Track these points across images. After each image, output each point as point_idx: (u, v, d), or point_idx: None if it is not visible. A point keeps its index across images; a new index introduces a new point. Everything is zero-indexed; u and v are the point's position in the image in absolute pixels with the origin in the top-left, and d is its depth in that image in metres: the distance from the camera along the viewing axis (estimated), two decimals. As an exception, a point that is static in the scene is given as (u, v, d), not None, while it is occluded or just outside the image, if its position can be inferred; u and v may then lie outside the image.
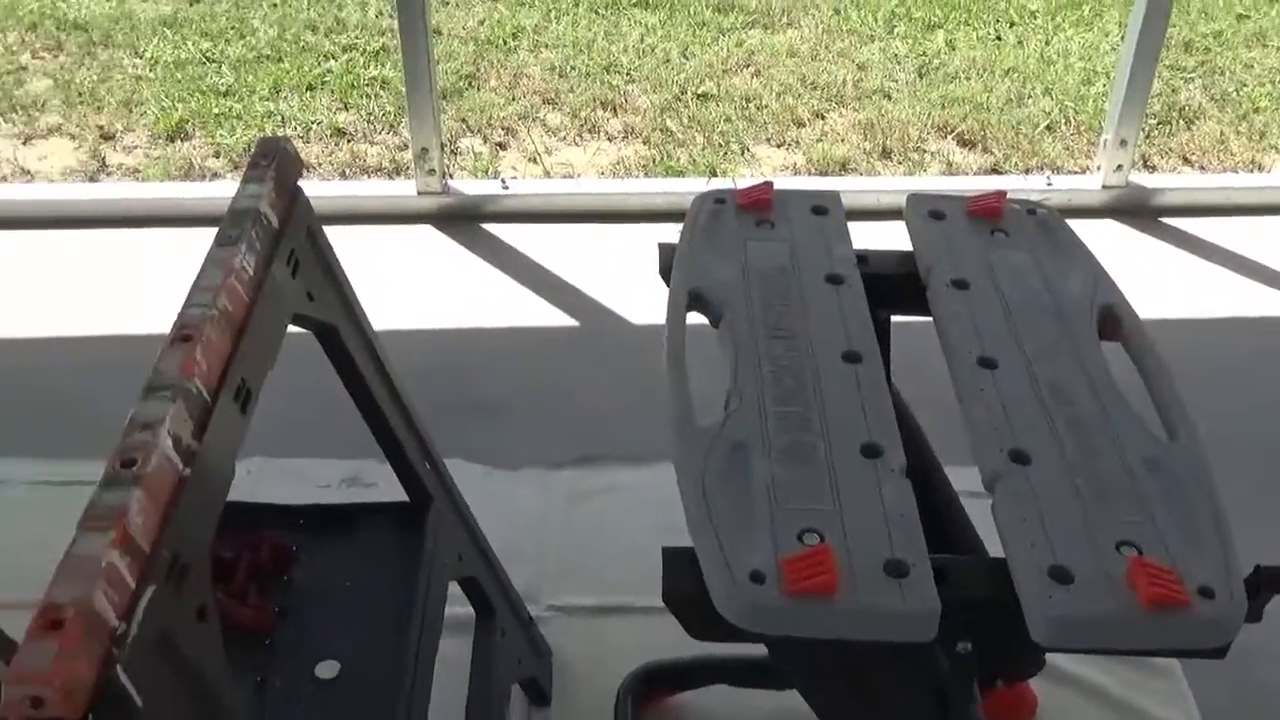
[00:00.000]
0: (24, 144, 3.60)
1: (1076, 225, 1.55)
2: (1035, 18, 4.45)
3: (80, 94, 3.83)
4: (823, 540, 1.06)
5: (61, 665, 0.83)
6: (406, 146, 3.47)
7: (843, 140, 3.65)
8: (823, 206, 1.53)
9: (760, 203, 1.50)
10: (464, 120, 3.71)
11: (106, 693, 0.87)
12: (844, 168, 3.53)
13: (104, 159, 3.52)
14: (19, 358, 2.63)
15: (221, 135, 3.61)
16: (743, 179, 3.36)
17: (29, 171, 3.46)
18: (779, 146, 3.65)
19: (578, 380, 2.56)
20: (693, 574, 1.05)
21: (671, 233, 1.50)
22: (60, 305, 2.77)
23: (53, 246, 2.97)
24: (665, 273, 1.42)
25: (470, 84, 3.92)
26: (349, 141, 3.60)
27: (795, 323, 1.31)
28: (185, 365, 1.10)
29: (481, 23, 4.30)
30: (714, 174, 3.45)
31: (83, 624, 0.86)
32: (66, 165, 3.49)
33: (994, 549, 1.16)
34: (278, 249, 1.33)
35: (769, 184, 1.53)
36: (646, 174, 3.46)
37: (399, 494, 1.63)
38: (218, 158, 3.53)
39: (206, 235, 1.30)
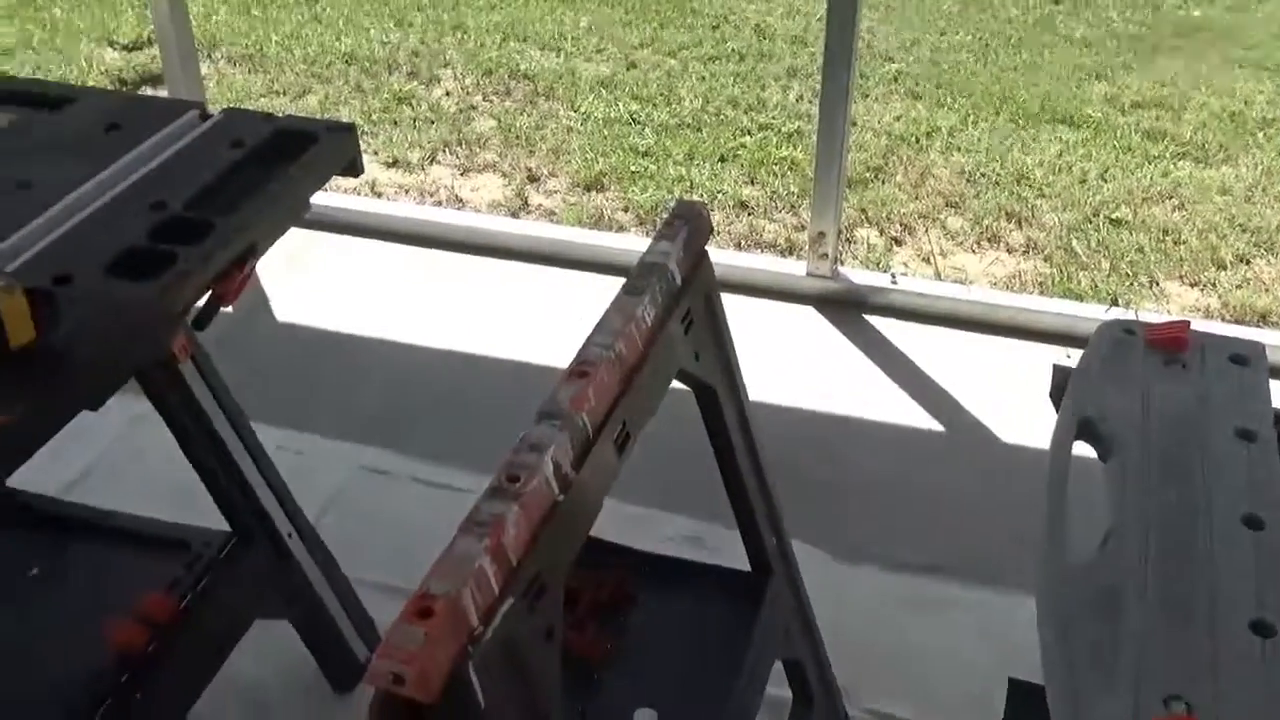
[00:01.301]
0: (462, 175, 3.96)
1: None
2: None
3: (517, 137, 4.17)
4: (1190, 711, 0.97)
5: (425, 651, 0.90)
6: (804, 228, 3.53)
7: (1267, 290, 3.38)
8: (1243, 356, 1.42)
9: (1174, 341, 1.41)
10: (864, 211, 3.74)
11: (456, 685, 0.93)
12: (1264, 319, 3.26)
13: (527, 199, 3.81)
14: (423, 363, 2.88)
15: (633, 192, 3.81)
16: (1146, 313, 3.18)
17: (462, 200, 3.81)
18: (1192, 286, 3.42)
19: (937, 487, 2.50)
20: (1039, 713, 0.99)
21: (1060, 355, 1.44)
22: (467, 324, 3.01)
23: (472, 270, 3.24)
24: (1056, 395, 1.36)
25: (876, 176, 3.94)
26: (749, 215, 3.71)
27: (1194, 473, 1.21)
28: (577, 399, 1.16)
29: (898, 119, 4.33)
30: (1115, 303, 3.28)
31: (449, 617, 0.92)
32: (494, 199, 3.81)
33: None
34: (676, 306, 1.38)
35: (1185, 323, 1.44)
36: (1042, 292, 3.34)
37: (738, 562, 1.64)
38: (626, 212, 3.74)
39: (604, 281, 1.37)
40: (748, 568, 1.61)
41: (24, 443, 1.11)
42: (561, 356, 1.24)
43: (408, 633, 0.90)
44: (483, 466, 2.44)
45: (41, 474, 1.14)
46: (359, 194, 3.70)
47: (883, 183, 3.91)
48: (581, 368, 1.20)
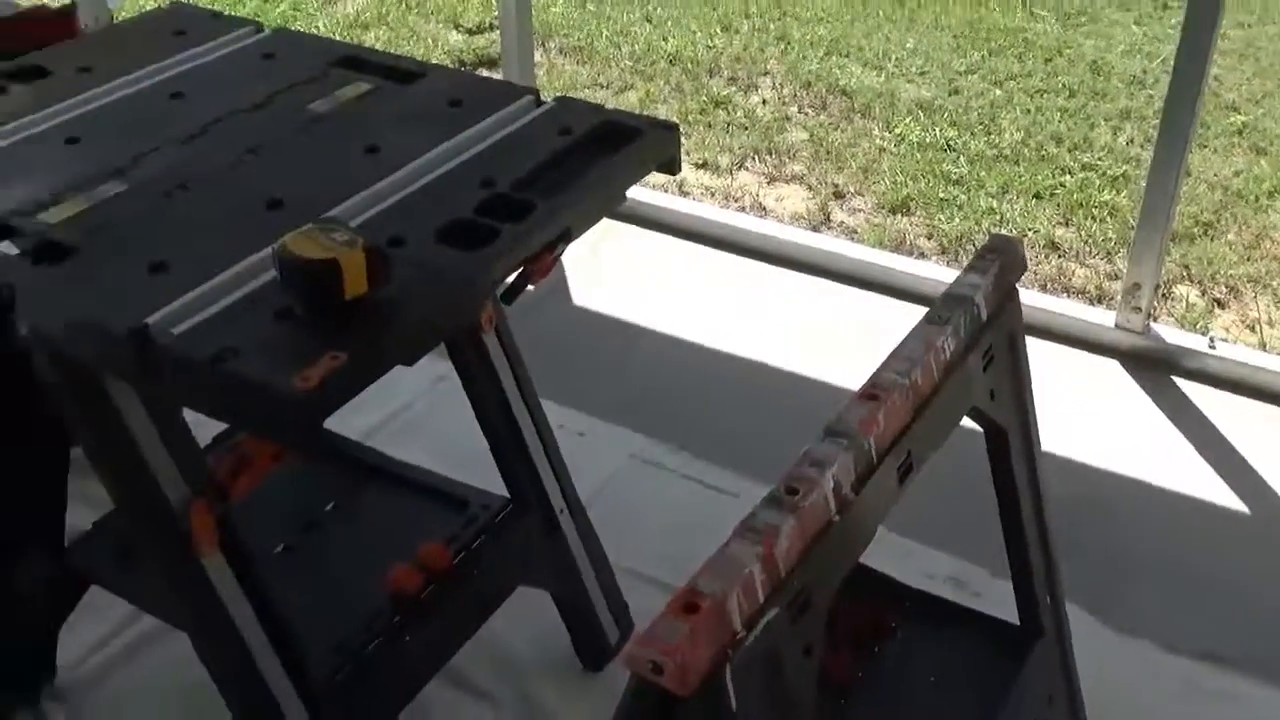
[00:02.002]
0: (768, 184, 3.98)
1: None
2: None
3: (828, 152, 4.15)
4: None
5: (686, 645, 0.91)
6: (1117, 277, 3.36)
7: None
8: None
9: None
10: (1186, 267, 3.51)
11: (711, 685, 0.94)
12: None
13: (829, 214, 3.79)
14: (708, 363, 2.92)
15: (940, 220, 3.73)
16: None
17: (765, 209, 3.83)
18: None
19: (1232, 571, 2.32)
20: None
21: None
22: (756, 331, 3.02)
23: (767, 279, 3.26)
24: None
25: (1205, 232, 3.69)
26: (1059, 257, 3.55)
27: None
28: (866, 422, 1.15)
29: (1238, 174, 4.04)
30: None
31: (714, 617, 0.93)
32: (797, 211, 3.81)
33: None
34: (978, 341, 1.35)
35: None
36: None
37: (1000, 610, 1.58)
38: (929, 239, 3.66)
39: (898, 306, 1.34)
40: (1014, 619, 1.55)
41: (348, 384, 1.20)
42: (845, 375, 1.23)
43: (672, 626, 0.92)
44: (753, 473, 2.46)
45: (346, 419, 1.23)
46: (666, 191, 3.78)
47: (1211, 239, 3.66)
48: (874, 391, 1.19)
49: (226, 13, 2.04)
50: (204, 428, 1.61)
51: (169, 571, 1.54)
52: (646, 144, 1.63)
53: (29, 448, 1.71)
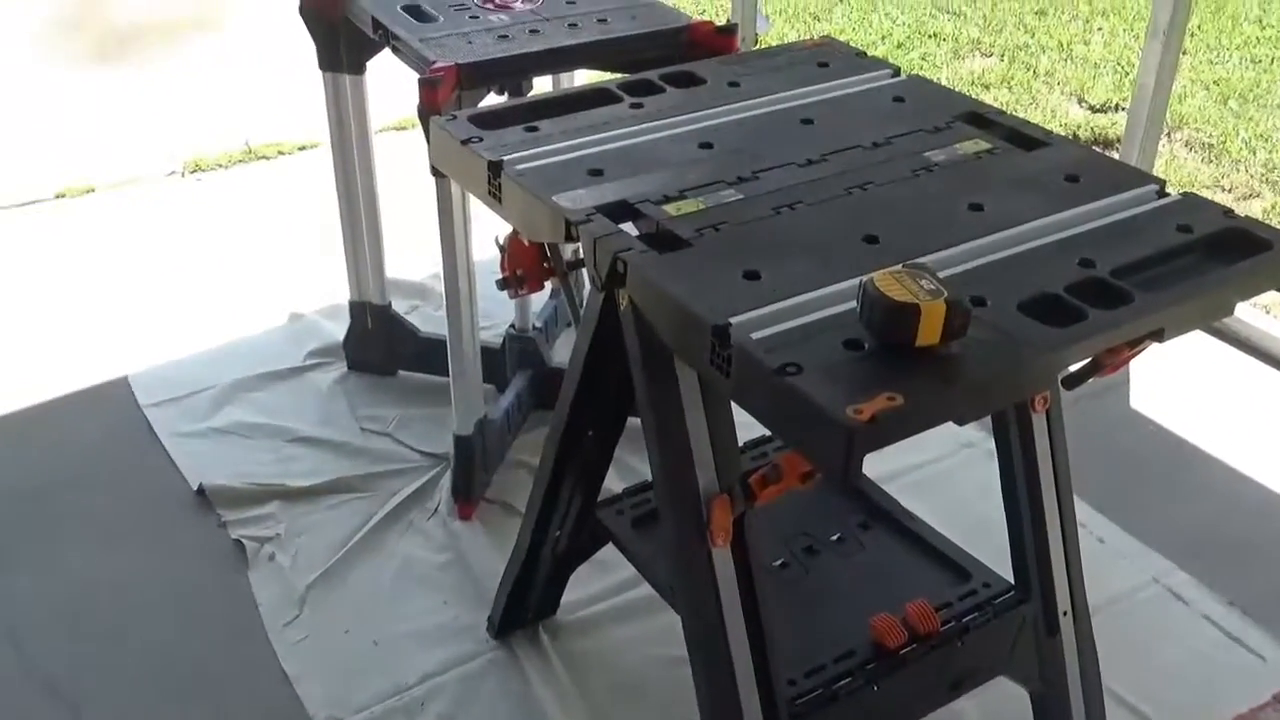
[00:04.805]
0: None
1: None
2: None
3: None
4: None
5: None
6: None
7: None
8: None
9: None
10: None
11: None
12: None
13: None
14: (1272, 509, 2.63)
15: None
16: None
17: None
18: None
19: None
20: None
21: None
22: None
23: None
24: None
25: None
26: None
27: None
28: None
29: None
30: None
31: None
32: None
33: None
34: None
35: None
36: None
37: None
38: None
39: None
40: None
41: (898, 427, 1.21)
42: None
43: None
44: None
45: (868, 458, 1.25)
46: (1267, 311, 3.44)
47: None
48: None
49: (870, 53, 2.12)
50: (746, 430, 1.70)
51: (679, 550, 1.64)
52: (1274, 259, 1.49)
53: (611, 404, 1.89)
